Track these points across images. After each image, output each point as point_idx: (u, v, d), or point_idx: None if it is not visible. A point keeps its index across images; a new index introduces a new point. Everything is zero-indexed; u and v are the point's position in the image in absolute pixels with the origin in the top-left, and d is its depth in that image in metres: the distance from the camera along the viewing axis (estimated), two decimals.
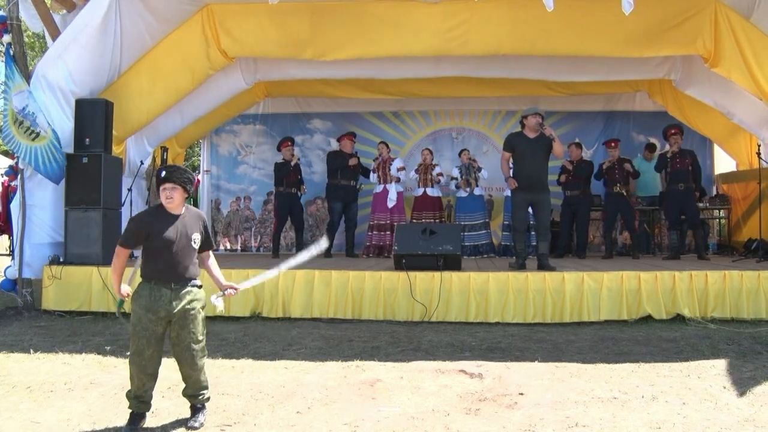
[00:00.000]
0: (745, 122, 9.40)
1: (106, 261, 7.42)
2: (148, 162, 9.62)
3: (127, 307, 3.74)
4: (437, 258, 7.02)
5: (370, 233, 10.30)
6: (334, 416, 3.79)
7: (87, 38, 7.54)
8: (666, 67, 9.56)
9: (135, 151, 9.35)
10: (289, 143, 10.17)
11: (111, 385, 4.44)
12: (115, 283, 3.62)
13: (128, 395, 3.65)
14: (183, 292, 3.64)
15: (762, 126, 9.19)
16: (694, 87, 9.41)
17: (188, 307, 3.65)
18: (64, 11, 8.31)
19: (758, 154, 8.82)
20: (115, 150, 8.34)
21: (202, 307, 3.74)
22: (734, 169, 11.23)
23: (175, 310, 3.61)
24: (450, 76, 10.01)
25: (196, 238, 3.72)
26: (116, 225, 7.98)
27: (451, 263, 7.09)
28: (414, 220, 10.14)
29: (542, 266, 7.32)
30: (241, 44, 8.50)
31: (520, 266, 7.34)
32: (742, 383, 4.38)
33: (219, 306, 3.87)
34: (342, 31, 8.28)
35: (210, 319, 6.73)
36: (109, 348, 5.55)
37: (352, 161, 9.96)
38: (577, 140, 10.39)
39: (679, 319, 6.58)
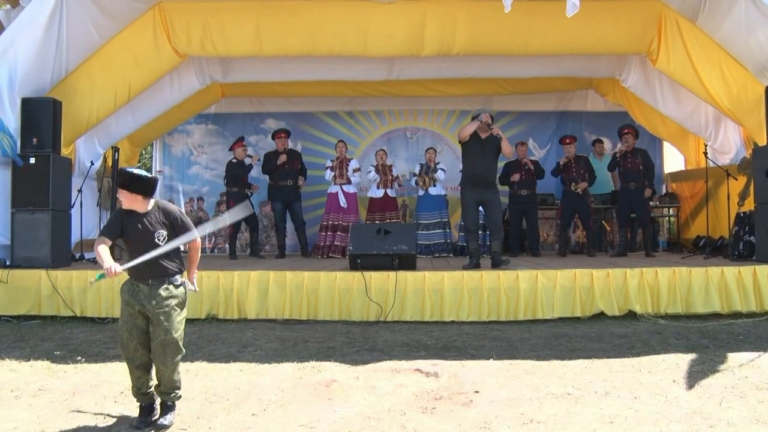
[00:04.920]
0: (688, 126, 9.71)
1: (54, 264, 7.27)
2: (98, 163, 9.42)
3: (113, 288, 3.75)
4: (392, 258, 7.03)
5: (323, 233, 10.23)
6: (290, 418, 3.76)
7: (32, 35, 7.34)
8: (616, 67, 9.75)
9: (85, 151, 9.14)
10: (244, 143, 10.11)
11: (60, 391, 4.33)
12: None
13: (132, 391, 3.77)
14: (158, 289, 3.67)
15: (704, 128, 9.45)
16: (641, 88, 9.62)
17: (163, 303, 3.67)
18: (8, 6, 8.09)
19: (705, 153, 9.05)
20: (64, 150, 8.14)
21: (178, 305, 3.73)
22: (683, 168, 11.49)
23: (148, 306, 3.64)
24: (403, 79, 10.06)
25: (161, 235, 3.71)
26: (65, 227, 7.80)
27: (406, 263, 7.10)
28: (370, 221, 10.11)
29: (496, 263, 7.39)
30: (191, 42, 8.38)
31: (474, 266, 7.38)
32: (691, 377, 4.48)
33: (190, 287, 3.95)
34: (291, 30, 8.25)
35: None
36: (58, 353, 5.41)
37: (280, 159, 9.91)
38: (530, 140, 10.49)
39: (630, 315, 6.69)
